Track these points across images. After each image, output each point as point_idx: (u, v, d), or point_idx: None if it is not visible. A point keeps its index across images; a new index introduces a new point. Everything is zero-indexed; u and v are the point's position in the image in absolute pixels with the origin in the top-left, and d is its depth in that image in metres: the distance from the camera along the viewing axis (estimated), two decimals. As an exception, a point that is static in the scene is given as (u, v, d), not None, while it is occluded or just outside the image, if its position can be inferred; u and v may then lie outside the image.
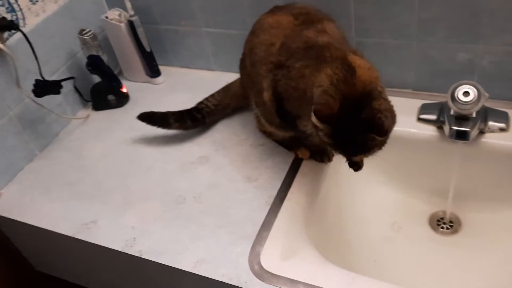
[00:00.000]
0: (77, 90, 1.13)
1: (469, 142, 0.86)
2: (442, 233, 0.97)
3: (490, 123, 0.87)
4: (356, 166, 0.79)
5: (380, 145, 0.70)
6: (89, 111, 1.16)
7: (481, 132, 0.88)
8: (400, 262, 0.92)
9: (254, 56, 0.83)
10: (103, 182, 0.97)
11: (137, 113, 1.07)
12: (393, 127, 0.66)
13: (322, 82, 0.68)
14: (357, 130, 0.66)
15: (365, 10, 0.93)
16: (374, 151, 0.70)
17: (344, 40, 0.78)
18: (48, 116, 1.07)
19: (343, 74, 0.66)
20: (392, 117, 0.66)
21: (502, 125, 0.87)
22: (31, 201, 0.95)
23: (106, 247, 0.84)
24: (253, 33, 0.86)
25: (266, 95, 0.81)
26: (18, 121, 0.99)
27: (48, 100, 1.03)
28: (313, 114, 0.65)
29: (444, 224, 0.97)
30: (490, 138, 0.88)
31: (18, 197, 0.97)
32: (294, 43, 0.76)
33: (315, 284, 0.71)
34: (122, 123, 1.11)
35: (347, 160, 0.76)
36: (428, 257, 0.93)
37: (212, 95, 1.03)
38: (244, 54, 0.92)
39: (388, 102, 0.68)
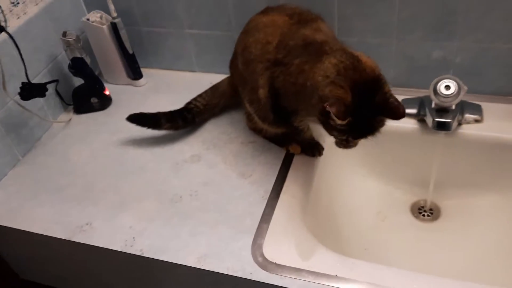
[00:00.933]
0: (58, 93, 1.11)
1: (449, 133, 0.92)
2: (423, 220, 1.03)
3: (466, 115, 0.94)
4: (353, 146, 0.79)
5: (383, 126, 0.73)
6: (70, 115, 1.14)
7: (459, 123, 0.94)
8: (387, 249, 0.97)
9: (249, 55, 0.86)
10: (94, 185, 0.96)
11: (121, 116, 1.07)
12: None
13: (327, 71, 0.70)
14: (370, 113, 0.69)
15: (348, 10, 0.97)
16: (378, 132, 0.74)
17: (337, 40, 0.82)
18: (31, 120, 1.05)
19: (350, 62, 0.70)
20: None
21: (477, 116, 0.95)
22: (19, 207, 0.93)
23: (104, 248, 0.83)
24: (246, 32, 0.89)
25: (262, 92, 0.84)
26: (1, 126, 0.97)
27: (30, 104, 1.01)
28: (335, 117, 0.67)
29: (425, 212, 1.04)
30: (466, 129, 0.95)
31: (4, 203, 0.94)
32: (292, 41, 0.79)
33: (318, 271, 0.74)
34: (107, 125, 1.10)
35: (347, 142, 0.76)
36: (412, 243, 0.99)
37: (200, 95, 1.04)
38: (235, 54, 0.95)
39: None
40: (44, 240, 0.88)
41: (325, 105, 0.68)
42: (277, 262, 0.76)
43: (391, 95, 0.70)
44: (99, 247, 0.84)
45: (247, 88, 0.91)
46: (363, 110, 0.69)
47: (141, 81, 1.20)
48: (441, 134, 0.93)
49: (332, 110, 0.67)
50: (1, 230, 0.91)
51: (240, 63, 0.91)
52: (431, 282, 0.72)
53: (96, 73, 1.21)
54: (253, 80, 0.86)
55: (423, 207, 1.04)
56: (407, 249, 0.97)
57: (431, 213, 1.03)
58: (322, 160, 0.95)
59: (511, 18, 0.89)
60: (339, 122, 0.69)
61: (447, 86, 0.86)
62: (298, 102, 0.79)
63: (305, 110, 0.79)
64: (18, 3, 0.98)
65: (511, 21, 0.90)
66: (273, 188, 0.89)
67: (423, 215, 1.03)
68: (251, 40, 0.86)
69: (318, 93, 0.71)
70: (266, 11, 0.89)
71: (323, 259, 0.76)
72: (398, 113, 0.69)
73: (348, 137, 0.74)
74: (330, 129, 0.73)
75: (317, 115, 0.74)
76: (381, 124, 0.72)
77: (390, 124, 0.97)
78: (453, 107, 0.89)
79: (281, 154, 0.96)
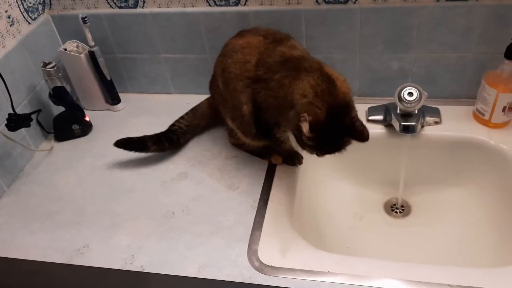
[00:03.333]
0: (39, 122, 1.13)
1: (414, 135, 1.02)
2: (396, 216, 1.12)
3: (427, 118, 1.05)
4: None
5: (348, 145, 0.82)
6: (52, 143, 1.16)
7: (422, 126, 1.04)
8: (366, 246, 1.05)
9: (228, 75, 0.92)
10: (85, 208, 0.98)
11: (103, 140, 1.10)
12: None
13: (306, 91, 0.78)
14: (338, 134, 0.78)
15: (314, 30, 1.06)
16: (344, 150, 0.83)
17: (311, 56, 0.90)
18: (14, 151, 1.06)
19: (326, 86, 0.78)
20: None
21: (436, 119, 1.06)
22: (11, 236, 0.94)
23: (105, 268, 0.86)
24: (224, 55, 0.95)
25: (246, 108, 0.90)
26: (-13, 158, 0.98)
27: (13, 134, 1.03)
28: (307, 125, 0.75)
29: (397, 209, 1.13)
30: (428, 131, 1.05)
31: (-6, 234, 0.95)
32: (270, 58, 0.86)
33: (311, 269, 0.81)
34: (90, 151, 1.13)
35: (317, 156, 0.85)
36: (388, 239, 1.08)
37: (182, 117, 1.09)
38: (214, 76, 1.01)
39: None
40: (40, 268, 0.90)
41: (302, 114, 0.76)
42: (273, 265, 0.82)
43: (358, 119, 0.80)
44: (100, 267, 0.86)
45: (228, 106, 0.97)
46: (332, 130, 0.78)
47: (119, 105, 1.24)
48: (407, 136, 1.02)
49: (308, 119, 0.75)
50: (-6, 261, 0.92)
51: (220, 84, 0.97)
52: (409, 268, 0.80)
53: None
54: (234, 98, 0.92)
55: (395, 204, 1.13)
56: (384, 244, 1.05)
57: (403, 210, 1.12)
58: (302, 168, 1.02)
59: (456, 31, 1.01)
60: (307, 134, 0.77)
61: (410, 93, 0.97)
62: (280, 114, 0.85)
63: (286, 120, 0.86)
64: (-3, 37, 1.01)
65: (456, 34, 1.01)
66: (260, 197, 0.95)
67: (396, 212, 1.12)
68: (229, 61, 0.92)
69: (296, 110, 0.79)
70: (241, 34, 0.96)
71: (314, 258, 0.83)
72: (363, 137, 0.79)
73: (317, 152, 0.83)
74: (303, 144, 0.82)
75: (293, 130, 0.82)
76: (347, 143, 0.81)
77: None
78: (416, 111, 0.99)
79: (264, 165, 1.02)
